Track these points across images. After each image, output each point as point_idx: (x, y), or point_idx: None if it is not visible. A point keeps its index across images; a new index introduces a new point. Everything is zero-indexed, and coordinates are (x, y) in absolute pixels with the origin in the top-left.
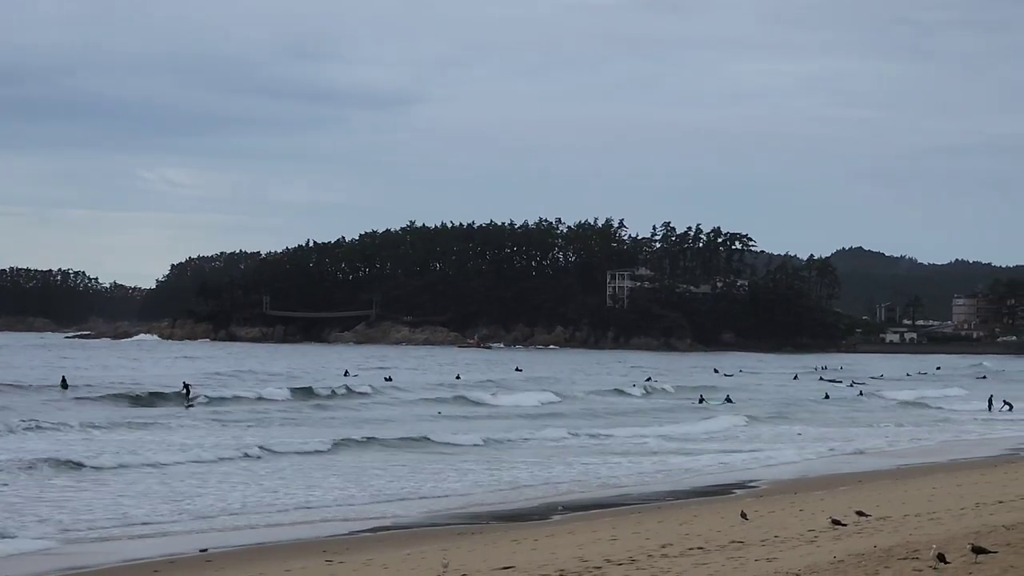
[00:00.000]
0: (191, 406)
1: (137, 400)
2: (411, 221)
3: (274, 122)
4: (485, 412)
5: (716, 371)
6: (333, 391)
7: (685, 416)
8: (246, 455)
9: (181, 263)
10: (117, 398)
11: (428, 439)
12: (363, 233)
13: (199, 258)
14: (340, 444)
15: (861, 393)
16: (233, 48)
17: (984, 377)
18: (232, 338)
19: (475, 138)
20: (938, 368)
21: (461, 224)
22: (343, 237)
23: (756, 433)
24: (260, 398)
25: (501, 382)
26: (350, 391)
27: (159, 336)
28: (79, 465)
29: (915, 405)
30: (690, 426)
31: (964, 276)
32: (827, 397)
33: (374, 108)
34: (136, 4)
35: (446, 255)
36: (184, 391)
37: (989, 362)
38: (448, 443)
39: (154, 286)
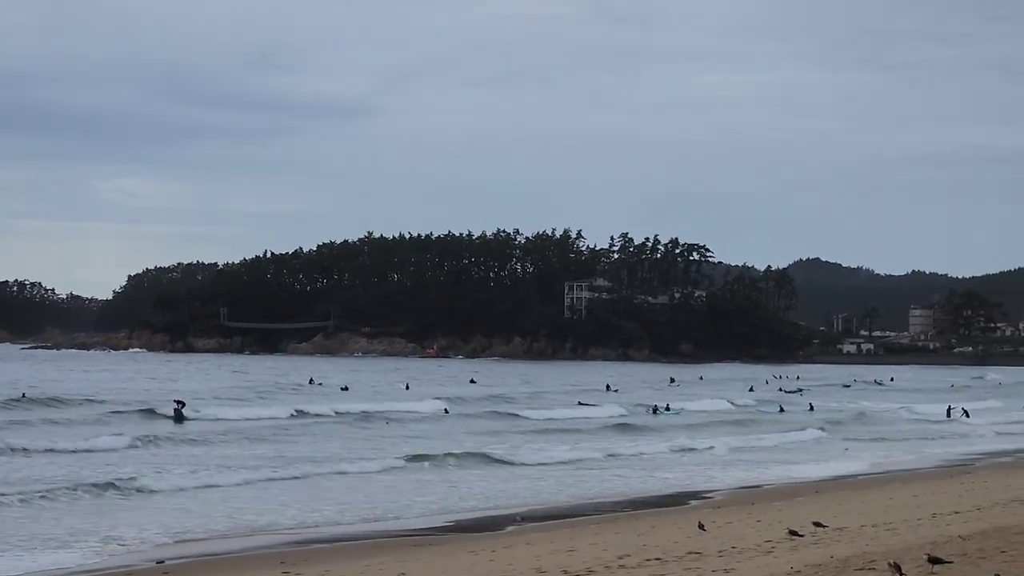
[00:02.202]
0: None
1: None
2: (369, 232)
3: (231, 132)
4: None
5: (672, 380)
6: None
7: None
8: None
9: (138, 274)
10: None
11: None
12: (320, 244)
13: (156, 269)
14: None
15: (811, 407)
16: (190, 58)
17: (952, 386)
18: (189, 349)
19: (433, 148)
20: (892, 379)
21: (419, 235)
22: (300, 248)
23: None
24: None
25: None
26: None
27: (112, 348)
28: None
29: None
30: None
31: (921, 287)
32: (781, 411)
33: (332, 118)
34: (92, 14)
35: (404, 266)
36: (179, 407)
37: (995, 374)
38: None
39: (111, 297)
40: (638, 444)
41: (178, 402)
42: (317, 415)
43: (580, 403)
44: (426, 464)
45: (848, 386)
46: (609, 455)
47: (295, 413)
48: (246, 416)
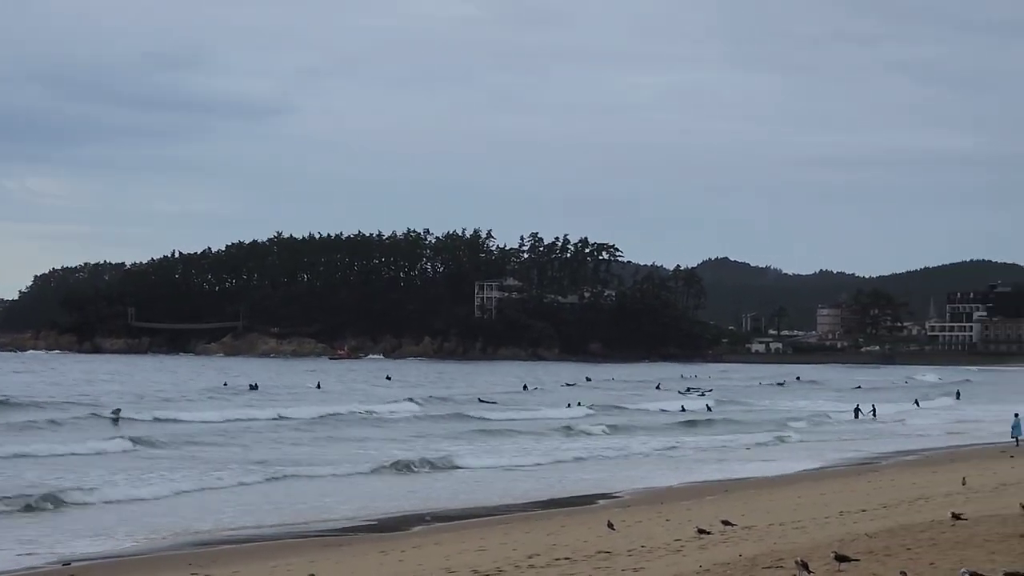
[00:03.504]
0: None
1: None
2: (278, 232)
3: (140, 132)
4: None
5: (588, 379)
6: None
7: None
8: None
9: (44, 274)
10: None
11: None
12: (229, 244)
13: (63, 269)
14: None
15: (709, 408)
16: (99, 58)
17: (859, 387)
18: (97, 350)
19: (343, 149)
20: (798, 378)
21: (328, 235)
22: (209, 248)
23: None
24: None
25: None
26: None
27: (18, 349)
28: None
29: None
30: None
31: (828, 287)
32: (683, 409)
33: (242, 118)
34: (1, 12)
35: (313, 266)
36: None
37: (931, 376)
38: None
39: (16, 297)
40: (575, 445)
41: (115, 410)
42: (299, 418)
43: (480, 399)
44: (360, 467)
45: (782, 384)
46: (537, 459)
47: (277, 417)
48: (227, 417)
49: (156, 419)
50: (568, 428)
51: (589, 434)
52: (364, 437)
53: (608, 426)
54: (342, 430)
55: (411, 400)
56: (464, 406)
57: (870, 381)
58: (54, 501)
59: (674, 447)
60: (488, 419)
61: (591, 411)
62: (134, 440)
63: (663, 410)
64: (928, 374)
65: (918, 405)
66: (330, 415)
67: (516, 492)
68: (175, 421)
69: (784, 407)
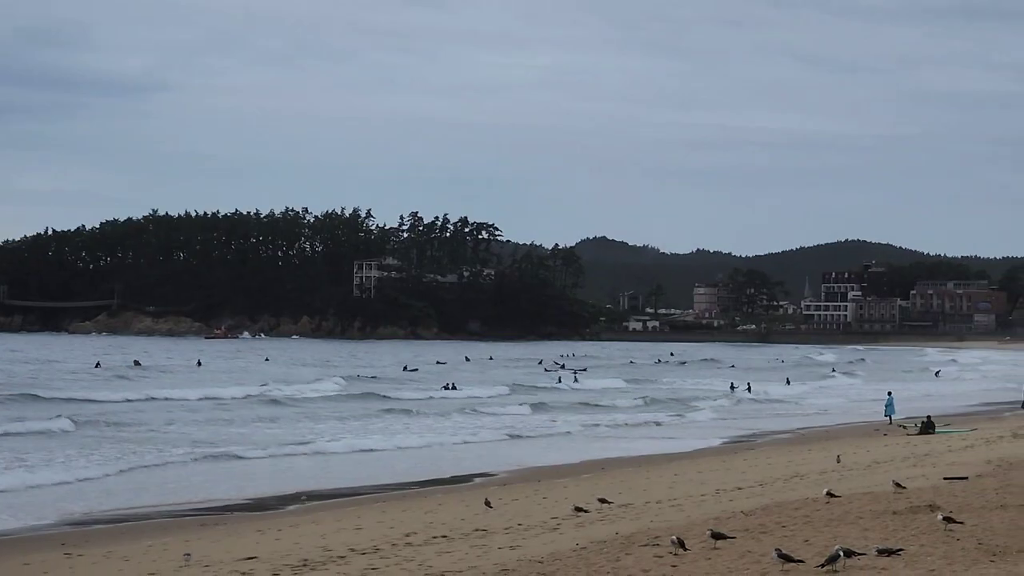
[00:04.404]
0: None
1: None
2: (154, 209)
3: (12, 109)
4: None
5: (467, 359)
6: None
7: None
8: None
9: None
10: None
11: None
12: (104, 221)
13: None
14: None
15: (575, 379)
16: None
17: (733, 366)
18: None
19: (221, 126)
20: (672, 354)
21: (205, 213)
22: (83, 225)
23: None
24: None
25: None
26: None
27: None
28: None
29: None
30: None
31: (705, 266)
32: (560, 381)
33: (117, 95)
34: None
35: (190, 244)
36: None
37: (828, 355)
38: None
39: None
40: (468, 424)
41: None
42: (224, 399)
43: (359, 376)
44: (253, 448)
45: (684, 363)
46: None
47: (205, 397)
48: (147, 396)
49: (71, 399)
50: (470, 408)
51: (488, 413)
52: (274, 417)
53: (526, 405)
54: (248, 411)
55: (327, 379)
56: (373, 384)
57: (766, 360)
58: None
59: (554, 423)
60: (399, 399)
61: (506, 389)
62: (73, 420)
63: (556, 388)
64: (826, 354)
65: (788, 383)
66: (253, 396)
67: (396, 471)
68: (90, 401)
69: (685, 386)
